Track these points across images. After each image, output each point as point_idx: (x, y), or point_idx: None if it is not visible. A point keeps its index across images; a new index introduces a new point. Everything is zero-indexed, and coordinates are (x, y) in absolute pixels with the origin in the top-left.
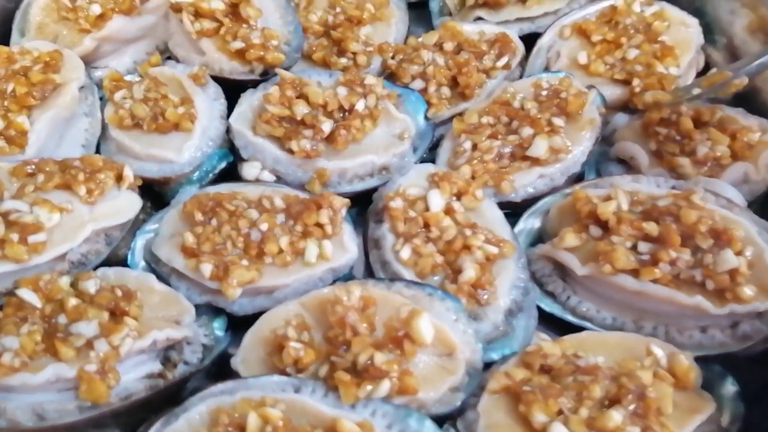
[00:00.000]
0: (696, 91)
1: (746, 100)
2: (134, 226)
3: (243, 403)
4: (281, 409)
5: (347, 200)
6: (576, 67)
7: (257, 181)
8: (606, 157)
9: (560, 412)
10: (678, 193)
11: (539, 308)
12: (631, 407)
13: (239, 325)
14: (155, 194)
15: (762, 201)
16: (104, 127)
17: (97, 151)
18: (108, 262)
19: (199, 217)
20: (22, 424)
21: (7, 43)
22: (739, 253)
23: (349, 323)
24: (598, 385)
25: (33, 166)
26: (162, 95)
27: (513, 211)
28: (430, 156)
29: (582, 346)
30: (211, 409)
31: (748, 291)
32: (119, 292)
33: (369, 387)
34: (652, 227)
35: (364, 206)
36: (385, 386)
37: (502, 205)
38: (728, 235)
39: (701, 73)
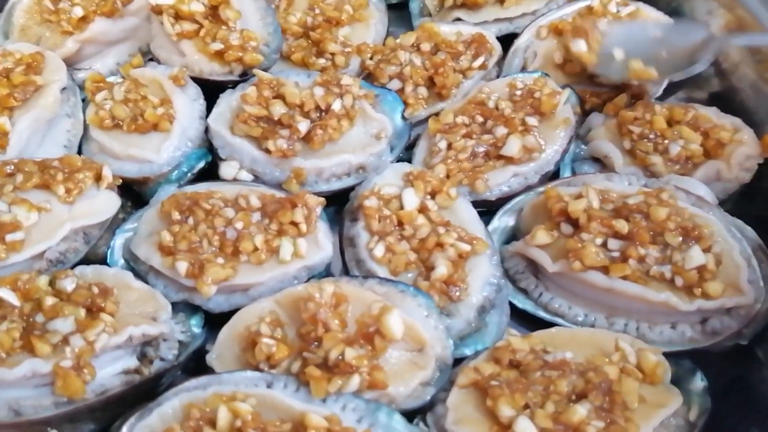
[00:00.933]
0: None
1: (723, 100)
2: (114, 225)
3: (214, 397)
4: (252, 403)
5: (322, 199)
6: (552, 68)
7: (235, 180)
8: (581, 157)
9: (527, 407)
10: (648, 191)
11: (512, 305)
12: (597, 402)
13: (216, 322)
14: (135, 194)
15: (735, 199)
16: (86, 128)
17: (80, 152)
18: (88, 260)
19: (176, 216)
20: None
21: None
22: (707, 250)
23: (321, 320)
24: (565, 380)
25: (12, 167)
26: (142, 96)
27: (488, 209)
28: (406, 155)
29: (552, 342)
30: (184, 404)
31: (715, 287)
32: (96, 290)
33: (339, 382)
34: (621, 225)
35: (342, 205)
36: (355, 381)
37: (477, 204)
38: (697, 232)
39: None
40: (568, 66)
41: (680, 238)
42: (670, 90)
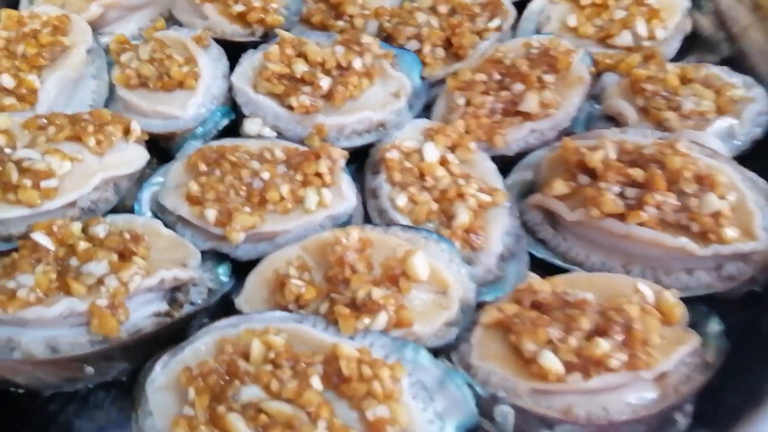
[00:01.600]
0: None
1: (733, 64)
2: (141, 179)
3: (247, 332)
4: (283, 337)
5: (345, 152)
6: (566, 30)
7: (258, 136)
8: (595, 116)
9: (550, 342)
10: (663, 141)
11: (531, 255)
12: (618, 338)
13: (243, 271)
14: (161, 150)
15: (746, 156)
16: (111, 89)
17: None
18: (116, 213)
19: (203, 167)
20: (37, 356)
21: (16, 8)
22: (722, 197)
23: (348, 262)
24: (586, 318)
25: (44, 120)
26: (167, 56)
27: (505, 165)
28: (424, 115)
29: (571, 285)
30: (216, 340)
31: (730, 232)
32: (128, 236)
33: (367, 320)
34: (638, 173)
35: (362, 163)
36: (382, 319)
37: (494, 160)
38: (711, 180)
39: (689, 38)
40: (582, 28)
41: (695, 186)
42: (681, 55)
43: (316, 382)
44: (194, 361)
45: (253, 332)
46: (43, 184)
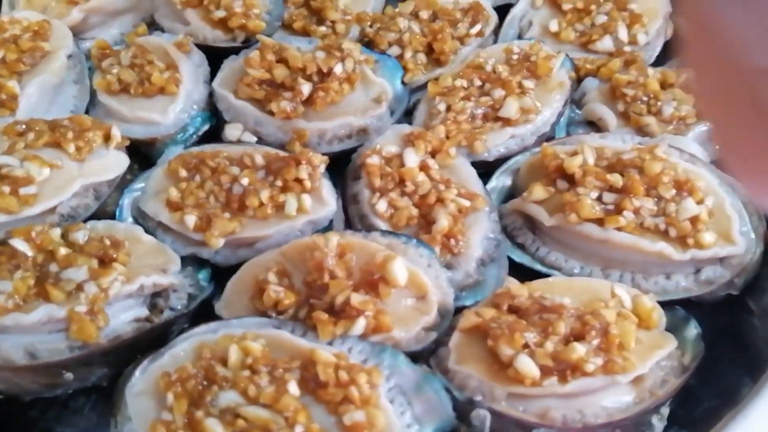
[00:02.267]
0: None
1: None
2: (122, 185)
3: (225, 338)
4: (261, 343)
5: (325, 157)
6: (548, 35)
7: (239, 142)
8: (576, 121)
9: (526, 346)
10: (642, 147)
11: (510, 259)
12: (595, 342)
13: (223, 277)
14: (141, 156)
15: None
16: (92, 95)
17: None
18: (97, 219)
19: (183, 173)
20: (16, 362)
21: None
22: (700, 202)
23: (327, 267)
24: (563, 322)
25: (24, 125)
26: (148, 61)
27: (485, 171)
28: (405, 120)
29: (549, 290)
30: (195, 345)
31: (708, 237)
32: (108, 242)
33: (345, 325)
34: (616, 178)
35: (343, 168)
36: (360, 324)
37: (475, 165)
38: (690, 184)
39: (669, 42)
40: (564, 33)
41: (673, 191)
42: (663, 59)
43: (293, 388)
44: (173, 367)
45: (232, 338)
46: (22, 191)
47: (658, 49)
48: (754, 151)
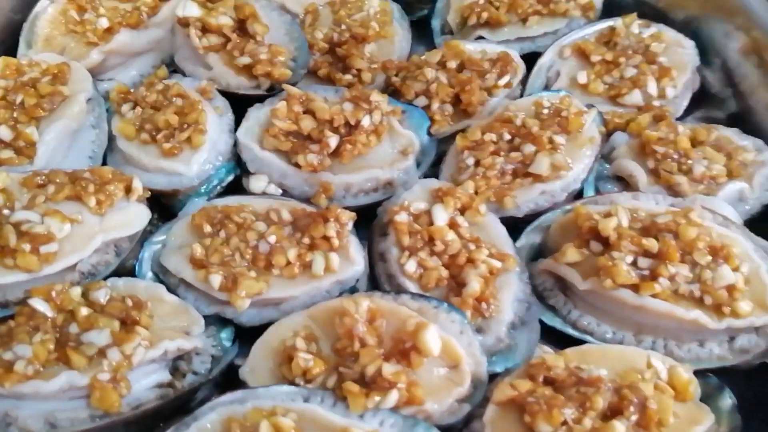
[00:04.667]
0: None
1: (740, 120)
2: (142, 238)
3: (255, 412)
4: (292, 418)
5: (353, 214)
6: (575, 87)
7: (264, 194)
8: (605, 176)
9: (564, 423)
10: (677, 210)
11: (541, 322)
12: (633, 418)
13: (246, 336)
14: (162, 206)
15: (757, 220)
16: (111, 139)
17: (104, 163)
18: (116, 273)
19: (207, 229)
20: None
21: (14, 54)
22: (735, 269)
23: (357, 335)
24: (600, 396)
25: (44, 177)
26: (171, 109)
27: (514, 226)
28: (432, 172)
29: (584, 359)
30: (223, 418)
31: (744, 306)
32: (130, 302)
33: (377, 398)
34: (651, 243)
35: (367, 220)
36: (393, 397)
37: (504, 221)
38: (725, 251)
39: (697, 95)
40: (592, 86)
41: (709, 257)
42: (689, 110)
43: None
44: None
45: (261, 412)
46: (43, 248)
47: (685, 103)
48: None
